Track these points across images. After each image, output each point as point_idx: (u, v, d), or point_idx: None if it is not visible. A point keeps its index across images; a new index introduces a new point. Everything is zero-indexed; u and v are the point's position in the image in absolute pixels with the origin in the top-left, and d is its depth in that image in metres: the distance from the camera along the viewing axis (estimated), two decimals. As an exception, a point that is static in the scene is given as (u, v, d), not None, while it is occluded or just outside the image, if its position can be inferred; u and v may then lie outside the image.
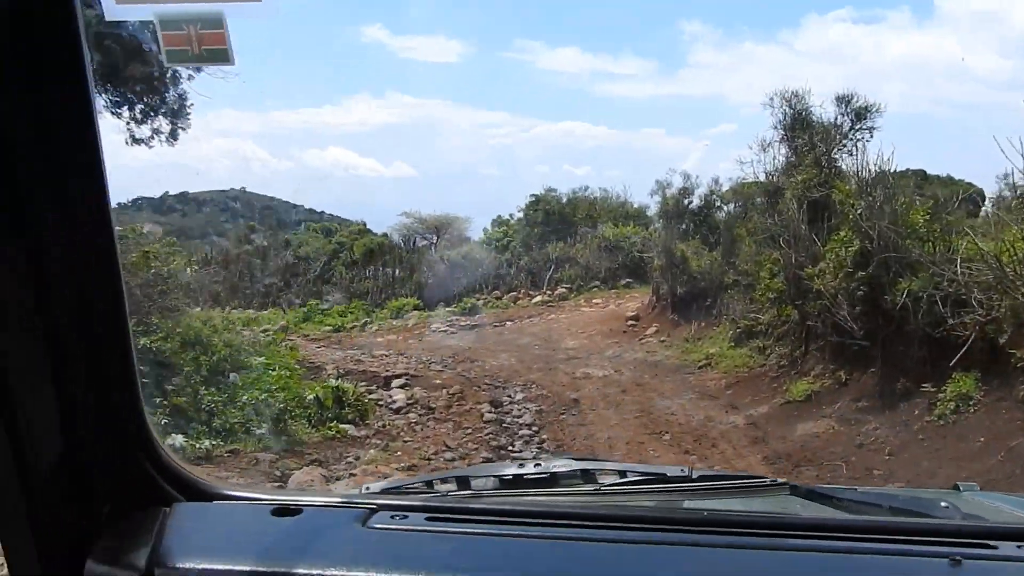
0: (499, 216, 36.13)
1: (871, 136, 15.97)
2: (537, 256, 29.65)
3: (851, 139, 16.46)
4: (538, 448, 13.62)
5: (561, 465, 1.83)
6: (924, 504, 1.79)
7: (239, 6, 1.59)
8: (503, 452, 13.30)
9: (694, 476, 1.76)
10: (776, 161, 17.56)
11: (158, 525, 1.50)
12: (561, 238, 31.30)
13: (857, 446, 11.48)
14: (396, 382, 18.20)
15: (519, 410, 16.32)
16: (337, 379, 17.10)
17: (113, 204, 1.57)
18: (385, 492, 1.83)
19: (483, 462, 12.36)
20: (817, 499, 1.83)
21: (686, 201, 30.61)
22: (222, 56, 1.65)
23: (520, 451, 13.44)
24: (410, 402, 16.38)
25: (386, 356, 22.59)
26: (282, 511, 1.60)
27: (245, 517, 1.65)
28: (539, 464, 1.84)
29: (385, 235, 32.80)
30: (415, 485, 1.91)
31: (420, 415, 15.48)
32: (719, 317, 20.60)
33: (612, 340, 22.50)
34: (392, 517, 1.60)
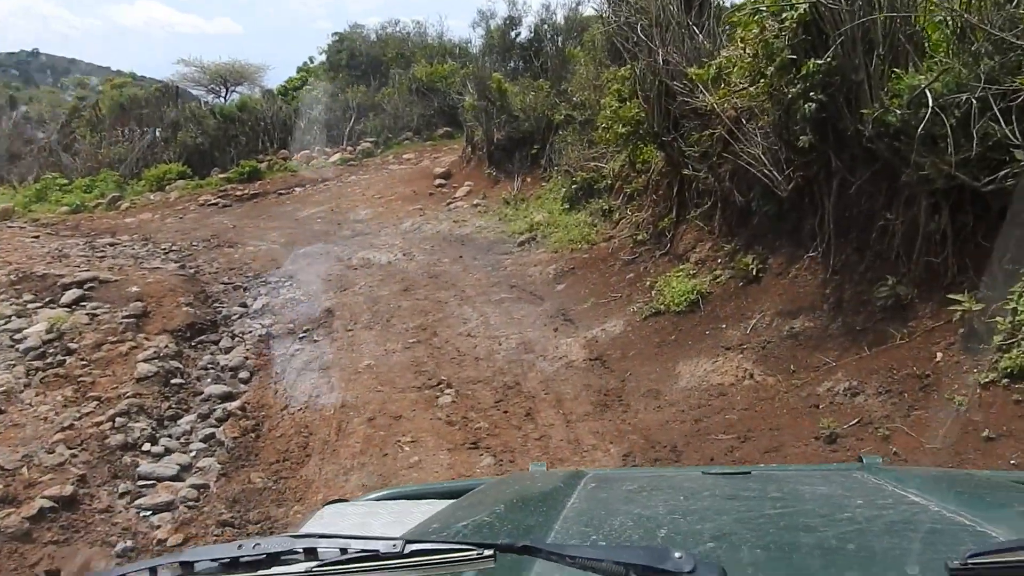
0: (304, 63, 27.29)
1: None
2: (335, 105, 21.35)
3: None
4: (206, 449, 6.29)
5: (279, 544, 1.37)
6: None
7: None
8: (119, 463, 5.92)
9: (405, 551, 1.30)
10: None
11: None
12: (370, 84, 23.05)
13: (825, 440, 4.63)
14: (69, 295, 10.34)
15: (232, 339, 8.92)
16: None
17: None
18: None
19: (66, 486, 5.18)
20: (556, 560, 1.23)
21: (513, 33, 22.96)
22: None
23: (159, 457, 6.11)
24: (49, 337, 8.65)
25: (112, 246, 14.55)
26: None
27: None
28: (258, 544, 1.36)
29: (161, 87, 23.52)
30: (134, 573, 1.38)
31: (39, 368, 7.83)
32: (549, 169, 13.36)
33: (415, 206, 15.04)
34: None
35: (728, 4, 8.56)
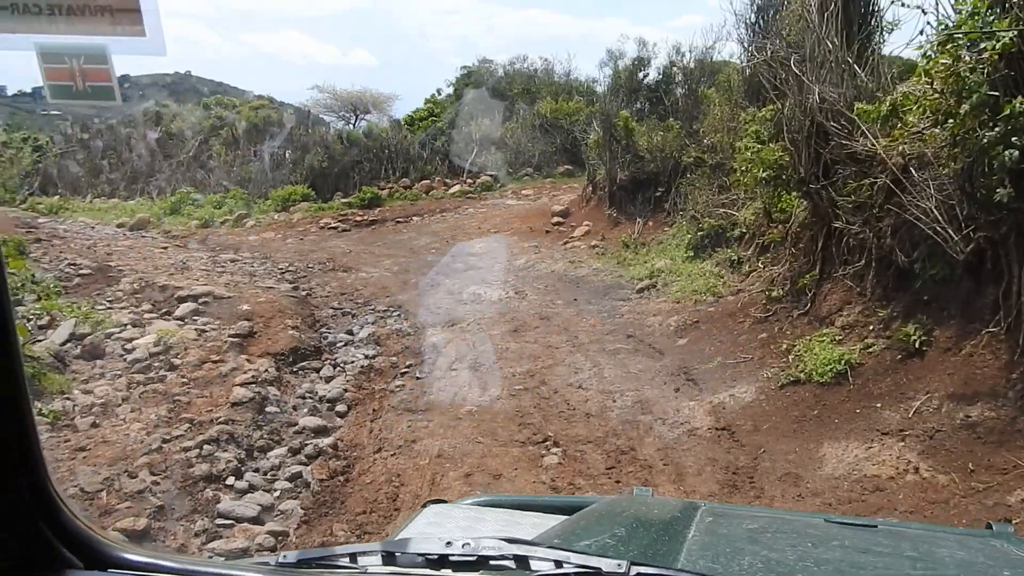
0: (433, 95, 27.43)
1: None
2: (458, 137, 21.22)
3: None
4: (291, 490, 5.78)
5: (491, 547, 1.31)
6: None
7: (124, 41, 1.39)
8: (200, 496, 5.49)
9: (631, 573, 1.25)
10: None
11: None
12: (496, 117, 22.86)
13: None
14: (183, 308, 10.30)
15: (334, 369, 8.52)
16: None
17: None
18: (302, 563, 1.40)
19: (140, 518, 4.78)
20: None
21: (641, 74, 22.30)
22: (107, 93, 1.50)
23: (241, 494, 5.63)
24: (156, 350, 8.51)
25: (233, 262, 14.70)
26: None
27: None
28: (467, 544, 1.31)
29: (294, 110, 24.05)
30: (337, 557, 1.40)
31: (140, 382, 7.61)
32: (674, 213, 12.56)
33: (530, 243, 14.49)
34: None
35: (892, 41, 7.63)
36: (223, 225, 19.40)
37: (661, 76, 21.36)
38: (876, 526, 1.97)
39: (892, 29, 7.28)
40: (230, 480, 5.75)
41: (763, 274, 8.68)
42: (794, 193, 7.83)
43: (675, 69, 20.64)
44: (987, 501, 4.22)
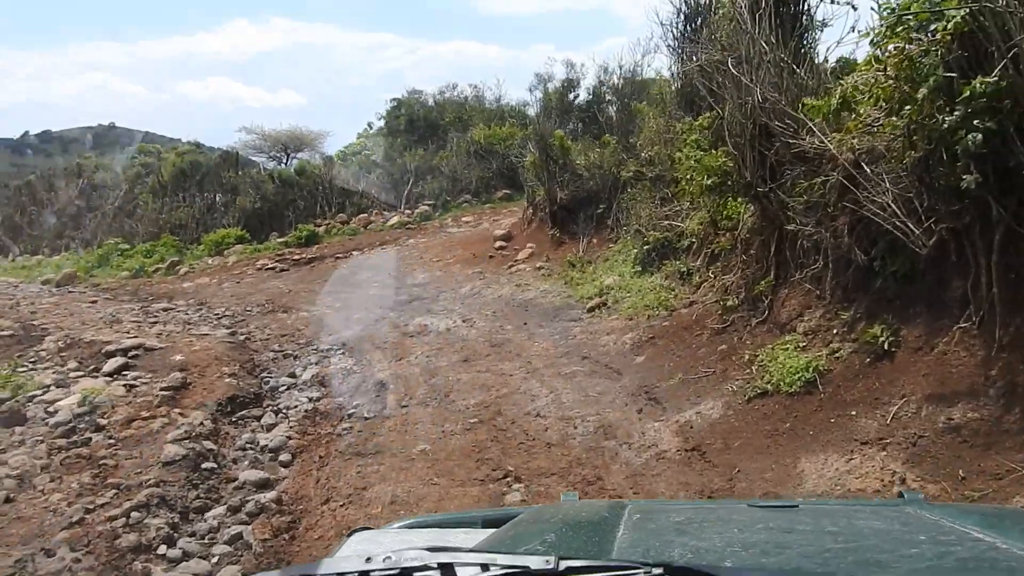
0: (364, 128, 26.95)
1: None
2: (393, 169, 20.74)
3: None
4: (231, 554, 5.20)
5: (414, 558, 1.26)
6: None
7: None
8: (128, 570, 4.88)
9: (560, 568, 1.21)
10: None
11: None
12: (428, 147, 22.46)
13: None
14: (112, 363, 9.53)
15: (276, 415, 7.94)
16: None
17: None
18: None
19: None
20: None
21: (572, 95, 22.33)
22: None
23: (174, 563, 5.03)
24: (81, 411, 7.79)
25: (166, 311, 13.90)
26: None
27: None
28: (388, 558, 1.25)
29: (222, 153, 23.29)
30: None
31: (61, 448, 6.90)
32: (617, 229, 12.28)
33: (474, 269, 14.07)
34: None
35: (823, 39, 7.46)
36: (155, 274, 18.57)
37: (592, 96, 21.38)
38: (797, 505, 2.00)
39: (823, 27, 7.12)
40: (161, 549, 5.14)
41: (715, 284, 8.39)
42: (740, 199, 7.58)
43: (604, 88, 20.64)
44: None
